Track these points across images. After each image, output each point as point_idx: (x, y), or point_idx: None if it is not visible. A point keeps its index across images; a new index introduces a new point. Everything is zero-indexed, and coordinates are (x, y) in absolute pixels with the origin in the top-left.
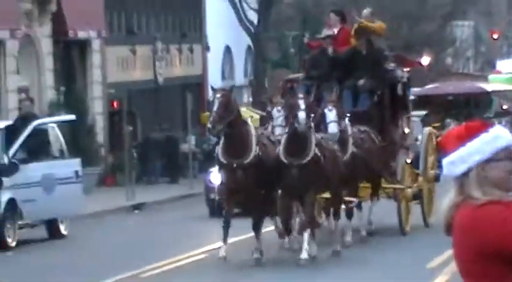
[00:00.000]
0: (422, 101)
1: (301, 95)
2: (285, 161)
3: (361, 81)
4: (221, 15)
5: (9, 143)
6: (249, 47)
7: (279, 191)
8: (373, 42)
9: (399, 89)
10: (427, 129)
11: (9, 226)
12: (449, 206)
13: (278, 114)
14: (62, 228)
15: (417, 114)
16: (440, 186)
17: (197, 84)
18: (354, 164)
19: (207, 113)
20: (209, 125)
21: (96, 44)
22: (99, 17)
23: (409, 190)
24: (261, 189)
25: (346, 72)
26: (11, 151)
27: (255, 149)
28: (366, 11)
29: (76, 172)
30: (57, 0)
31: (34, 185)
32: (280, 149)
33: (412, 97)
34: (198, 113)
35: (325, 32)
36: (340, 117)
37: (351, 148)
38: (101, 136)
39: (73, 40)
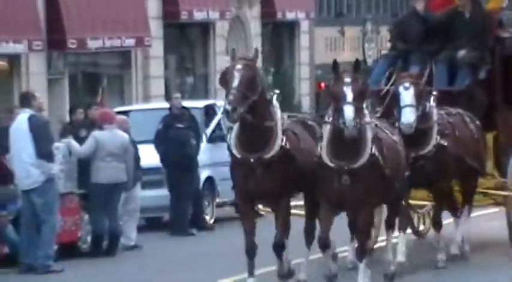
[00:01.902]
0: None
1: (348, 79)
2: (330, 164)
3: (461, 53)
4: None
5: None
6: None
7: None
8: (479, 3)
9: None
10: None
11: (207, 204)
12: None
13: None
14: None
15: None
16: None
17: None
18: (438, 159)
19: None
20: (228, 107)
21: (304, 26)
22: None
23: None
24: (289, 193)
25: (442, 40)
26: (208, 130)
27: (280, 140)
28: None
29: None
30: None
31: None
32: (323, 147)
33: None
34: None
35: None
36: (421, 97)
37: (434, 138)
38: None
39: (281, 21)
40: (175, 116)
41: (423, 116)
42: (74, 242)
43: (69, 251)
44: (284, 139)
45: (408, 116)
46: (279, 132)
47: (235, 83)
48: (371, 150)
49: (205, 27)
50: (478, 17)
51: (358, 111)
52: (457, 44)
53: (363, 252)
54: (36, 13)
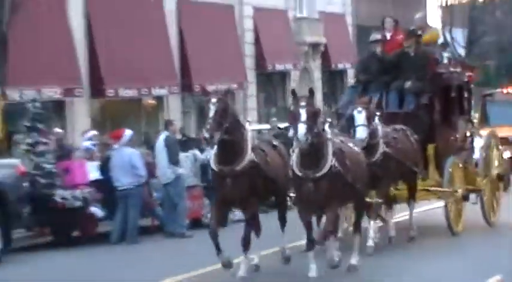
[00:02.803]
0: None
1: (303, 103)
2: (299, 173)
3: (408, 84)
4: None
5: None
6: None
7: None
8: (421, 44)
9: (454, 92)
10: (488, 130)
11: None
12: None
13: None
14: None
15: None
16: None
17: None
18: (384, 165)
19: None
20: (206, 135)
21: (350, 72)
22: (352, 52)
23: (459, 192)
24: (258, 197)
25: (393, 74)
26: None
27: (250, 155)
28: (419, 15)
29: None
30: (325, 44)
31: None
32: (294, 159)
33: None
34: None
35: (374, 35)
36: (370, 118)
37: (381, 148)
38: None
39: (334, 70)
40: (274, 134)
41: (372, 133)
42: (199, 218)
43: (196, 224)
44: (253, 154)
45: (361, 133)
46: (249, 150)
47: (211, 113)
48: (331, 162)
49: (283, 75)
50: (420, 55)
51: (311, 129)
52: (405, 76)
53: (310, 245)
54: (173, 66)
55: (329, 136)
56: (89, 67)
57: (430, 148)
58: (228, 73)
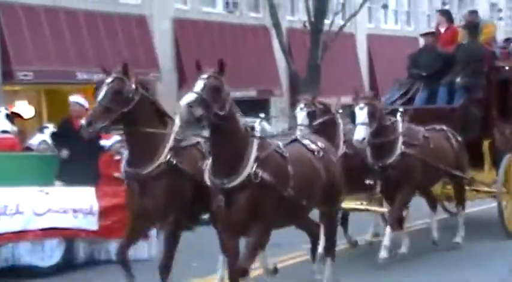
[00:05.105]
0: None
1: (204, 75)
2: (208, 182)
3: (459, 79)
4: None
5: None
6: None
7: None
8: (476, 36)
9: None
10: None
11: None
12: None
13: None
14: None
15: None
16: None
17: None
18: (404, 167)
19: None
20: (83, 121)
21: None
22: None
23: None
24: (178, 212)
25: (446, 68)
26: None
27: (165, 156)
28: (469, 10)
29: None
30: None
31: None
32: (208, 164)
33: None
34: None
35: (427, 30)
36: (374, 115)
37: (399, 148)
38: None
39: None
40: None
41: (388, 130)
42: None
43: None
44: (169, 155)
45: (358, 133)
46: (166, 148)
47: (100, 96)
48: (252, 169)
49: None
50: (473, 47)
51: (208, 105)
52: (456, 70)
53: (237, 274)
54: (361, 79)
55: (256, 133)
56: (370, 81)
57: (486, 144)
58: None
